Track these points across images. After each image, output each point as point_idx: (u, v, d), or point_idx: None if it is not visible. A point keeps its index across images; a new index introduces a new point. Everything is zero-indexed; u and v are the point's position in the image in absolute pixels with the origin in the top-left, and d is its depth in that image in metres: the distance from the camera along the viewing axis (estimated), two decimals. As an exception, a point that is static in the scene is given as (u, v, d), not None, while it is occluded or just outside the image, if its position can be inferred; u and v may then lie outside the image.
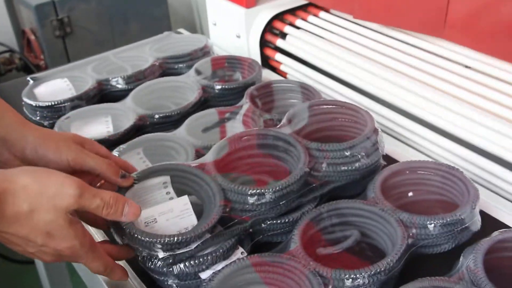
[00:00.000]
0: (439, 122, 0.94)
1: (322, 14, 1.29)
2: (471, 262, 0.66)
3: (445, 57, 1.04)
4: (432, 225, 0.72)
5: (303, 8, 1.32)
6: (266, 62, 1.30)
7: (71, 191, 0.63)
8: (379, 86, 1.04)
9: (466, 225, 0.73)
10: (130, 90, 1.08)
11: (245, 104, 0.98)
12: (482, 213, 0.79)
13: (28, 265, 1.84)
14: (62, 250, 0.65)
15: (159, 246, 0.68)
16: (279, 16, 1.30)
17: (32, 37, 2.15)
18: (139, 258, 0.72)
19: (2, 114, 0.75)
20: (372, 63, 1.08)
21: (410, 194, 0.82)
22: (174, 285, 0.71)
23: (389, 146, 0.96)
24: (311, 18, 1.28)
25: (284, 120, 0.86)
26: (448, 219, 0.72)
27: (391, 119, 1.02)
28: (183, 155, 0.89)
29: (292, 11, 1.31)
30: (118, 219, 0.68)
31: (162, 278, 0.72)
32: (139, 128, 1.00)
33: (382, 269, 0.66)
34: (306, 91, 1.01)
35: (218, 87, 1.07)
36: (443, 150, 0.94)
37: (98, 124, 1.01)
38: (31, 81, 1.13)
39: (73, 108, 1.05)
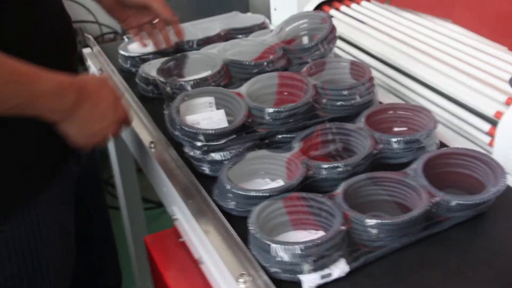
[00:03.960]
0: (429, 79, 1.20)
1: (364, 2, 1.57)
2: (415, 164, 0.92)
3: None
4: (395, 141, 0.98)
5: (347, -4, 1.60)
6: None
7: None
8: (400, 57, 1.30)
9: (423, 144, 0.99)
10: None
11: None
12: (443, 144, 1.05)
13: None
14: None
15: (201, 137, 0.99)
16: (327, 2, 1.59)
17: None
18: (185, 149, 1.03)
19: None
20: (399, 43, 1.34)
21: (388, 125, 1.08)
22: (207, 169, 1.02)
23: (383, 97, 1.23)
24: (354, 5, 1.56)
25: (304, 69, 1.15)
26: (408, 138, 0.98)
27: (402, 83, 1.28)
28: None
29: (339, -1, 1.60)
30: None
31: (199, 164, 1.02)
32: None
33: (350, 163, 0.94)
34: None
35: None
36: (427, 101, 1.20)
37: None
38: (126, 39, 1.48)
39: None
